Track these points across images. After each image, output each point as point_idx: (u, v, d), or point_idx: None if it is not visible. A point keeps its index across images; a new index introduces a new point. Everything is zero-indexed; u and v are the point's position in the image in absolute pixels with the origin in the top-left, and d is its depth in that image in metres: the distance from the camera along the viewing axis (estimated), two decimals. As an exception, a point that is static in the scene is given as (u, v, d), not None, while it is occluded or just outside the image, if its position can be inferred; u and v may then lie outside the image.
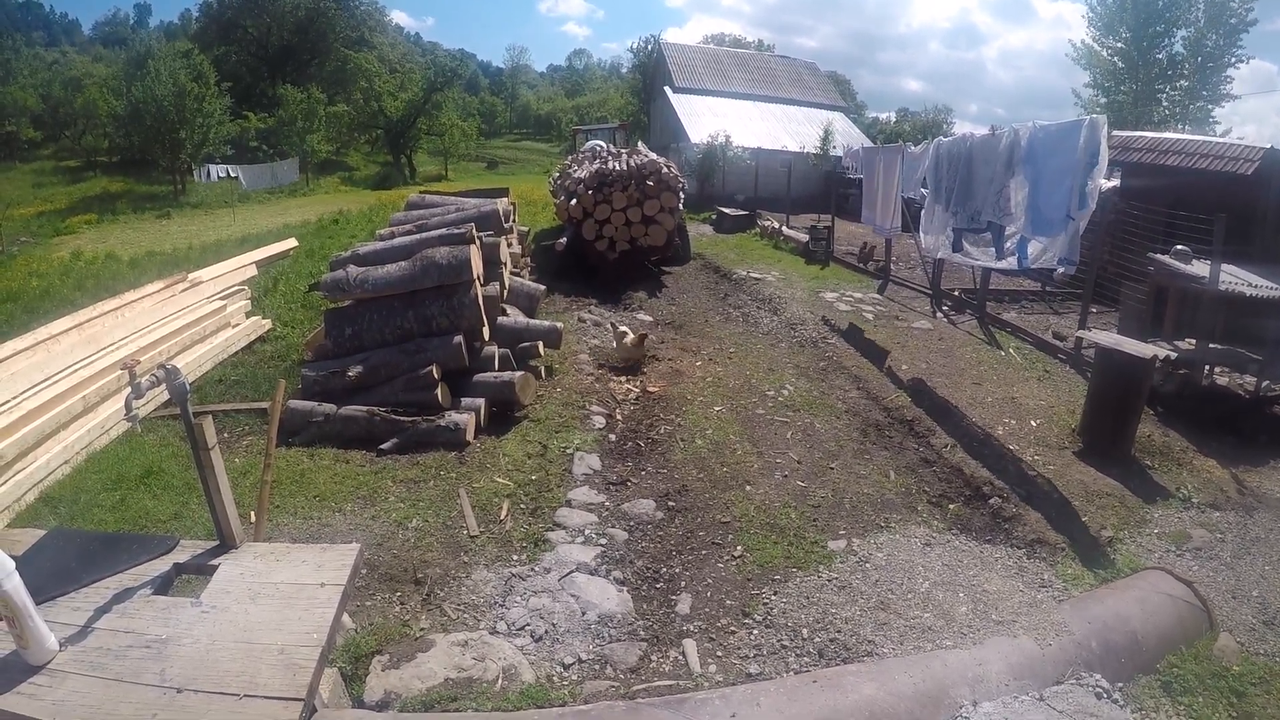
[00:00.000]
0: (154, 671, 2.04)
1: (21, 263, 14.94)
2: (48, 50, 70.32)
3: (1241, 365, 6.78)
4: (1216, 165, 10.15)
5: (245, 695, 1.98)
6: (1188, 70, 30.60)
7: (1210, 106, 30.94)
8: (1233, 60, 29.96)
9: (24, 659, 2.05)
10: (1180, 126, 28.74)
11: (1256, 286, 6.85)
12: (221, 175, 33.03)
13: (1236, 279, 6.98)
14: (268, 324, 8.78)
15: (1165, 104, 31.46)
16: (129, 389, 2.44)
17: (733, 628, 3.93)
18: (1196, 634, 3.71)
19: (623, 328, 8.59)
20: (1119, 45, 32.11)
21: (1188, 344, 6.75)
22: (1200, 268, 7.05)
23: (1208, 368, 6.97)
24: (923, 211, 9.15)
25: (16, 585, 2.00)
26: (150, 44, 40.76)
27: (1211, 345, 6.66)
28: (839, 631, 3.85)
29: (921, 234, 9.19)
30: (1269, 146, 9.77)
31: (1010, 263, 7.33)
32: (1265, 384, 6.82)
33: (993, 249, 7.50)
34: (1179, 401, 6.68)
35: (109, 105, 33.66)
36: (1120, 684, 3.34)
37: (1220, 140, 12.88)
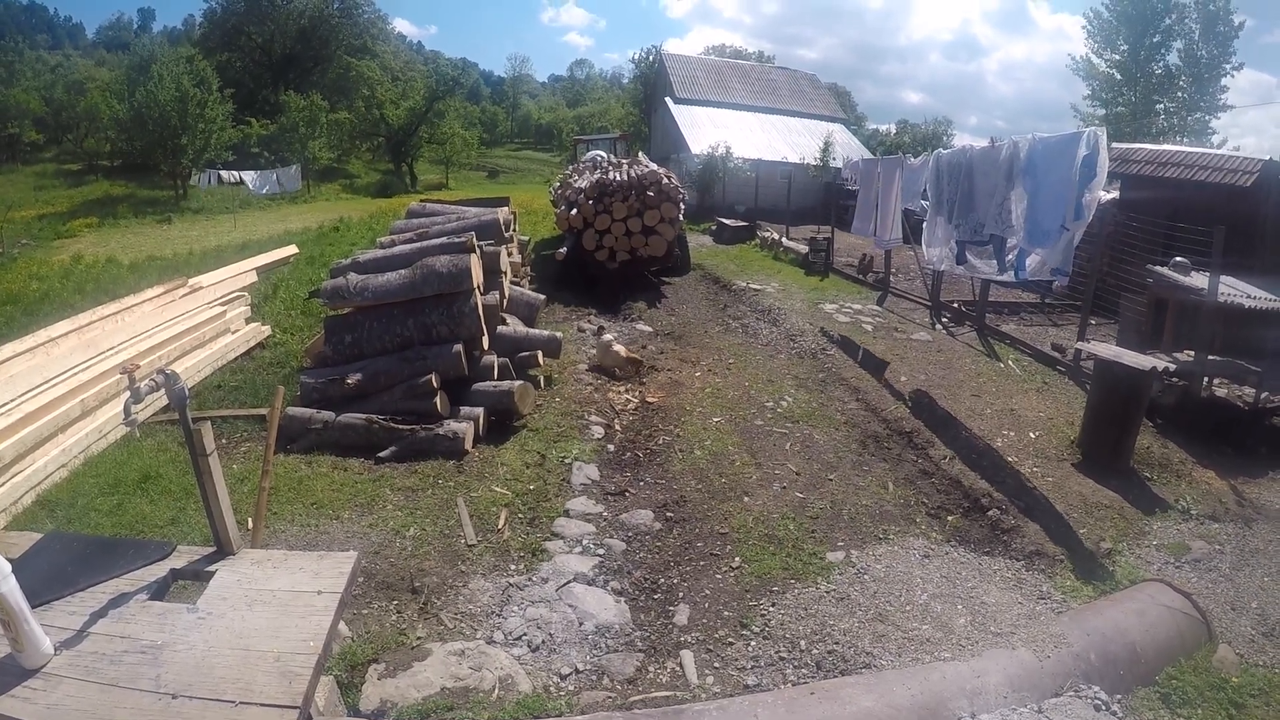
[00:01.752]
0: (149, 677, 2.03)
1: (22, 265, 14.93)
2: (51, 53, 70.57)
3: (1240, 377, 6.79)
4: (1215, 177, 10.20)
5: (241, 702, 1.97)
6: (1184, 82, 30.85)
7: (1207, 117, 31.21)
8: (1227, 69, 30.24)
9: (19, 662, 2.04)
10: (1179, 138, 28.93)
11: (1255, 298, 6.87)
12: (228, 180, 33.07)
13: (1235, 291, 6.99)
14: (267, 330, 8.78)
15: (1163, 115, 31.71)
16: (128, 393, 2.43)
17: (730, 639, 3.92)
18: (1195, 646, 3.71)
19: (608, 335, 8.63)
20: (1116, 58, 32.37)
21: (1186, 356, 6.76)
22: (1199, 279, 7.07)
23: (1207, 379, 6.98)
24: (924, 224, 9.18)
25: (12, 588, 1.99)
26: (153, 49, 40.77)
27: (1210, 357, 6.67)
28: (837, 643, 3.84)
29: (924, 246, 9.20)
30: (1267, 159, 9.83)
31: (1010, 275, 7.35)
32: (1264, 395, 6.82)
33: (995, 261, 7.52)
34: (1178, 413, 6.69)
35: (111, 109, 33.68)
36: (1119, 696, 3.33)
37: (1219, 152, 12.96)
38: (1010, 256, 7.20)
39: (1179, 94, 31.25)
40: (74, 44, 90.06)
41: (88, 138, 42.55)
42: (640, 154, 17.41)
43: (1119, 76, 32.45)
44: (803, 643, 3.85)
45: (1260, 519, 5.18)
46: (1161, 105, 31.76)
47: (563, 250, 12.44)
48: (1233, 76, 30.60)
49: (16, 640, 2.01)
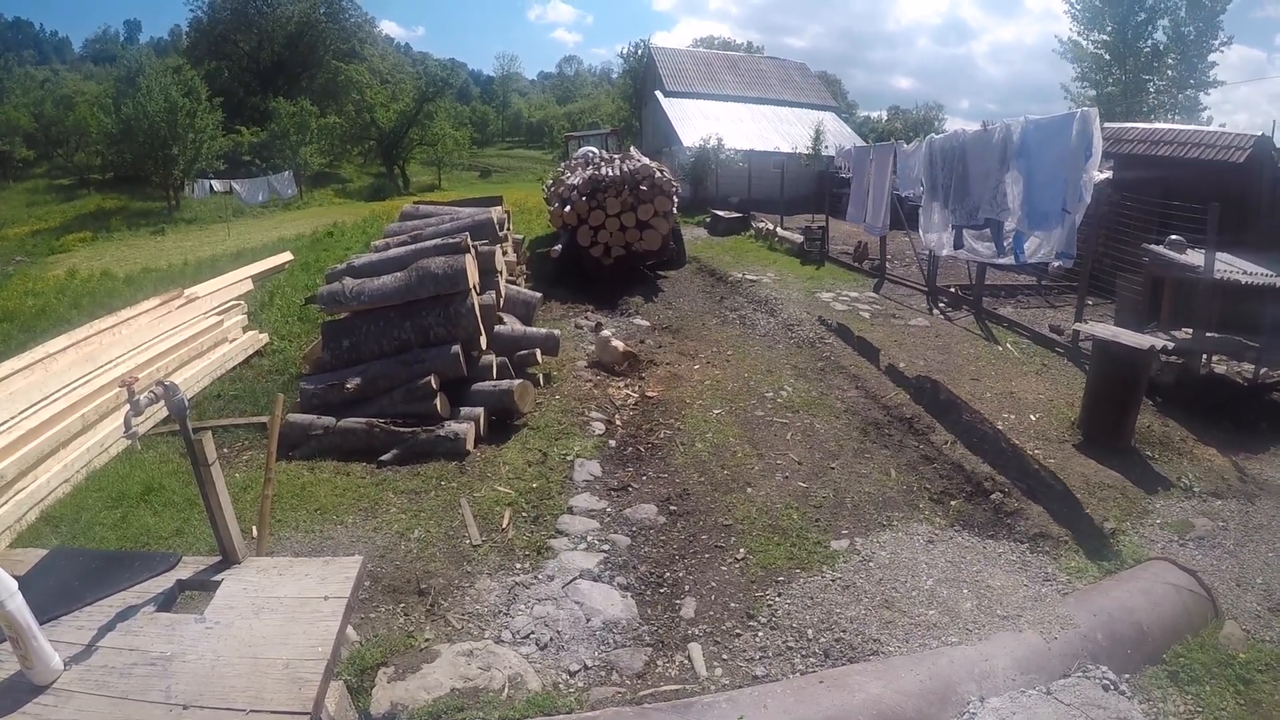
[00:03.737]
0: (159, 689, 2.03)
1: (17, 282, 14.93)
2: (38, 69, 70.33)
3: (1239, 353, 6.79)
4: (1208, 154, 10.21)
5: (251, 710, 1.97)
6: (1173, 59, 30.78)
7: (1198, 94, 31.12)
8: (1215, 45, 30.14)
9: (29, 679, 2.04)
10: (1170, 116, 28.88)
11: (1251, 274, 6.86)
12: (219, 190, 33.01)
13: (1231, 267, 6.99)
14: (265, 338, 8.77)
15: (1153, 94, 31.62)
16: (128, 406, 2.44)
17: (738, 630, 3.93)
18: (1202, 623, 3.72)
19: (606, 331, 8.64)
20: (1103, 38, 32.28)
21: (1184, 333, 6.76)
22: (1195, 257, 7.07)
23: (1205, 356, 6.98)
24: (920, 210, 9.17)
25: (20, 605, 2.00)
26: (141, 61, 40.53)
27: (1208, 334, 6.67)
28: (844, 631, 3.85)
29: (922, 232, 9.21)
30: (1259, 134, 9.82)
31: (1010, 259, 7.36)
32: (1263, 370, 6.83)
33: (992, 244, 7.53)
34: (1177, 391, 6.69)
35: (100, 123, 33.66)
36: (1127, 675, 3.34)
37: (1211, 129, 12.95)
38: (1008, 240, 7.21)
39: (1168, 72, 31.17)
40: (61, 59, 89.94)
41: (78, 152, 42.34)
42: (632, 148, 17.39)
43: (1107, 56, 32.35)
44: (810, 632, 3.86)
45: (1263, 494, 5.19)
46: (1151, 83, 31.66)
47: (558, 247, 12.42)
48: (1222, 53, 30.55)
49: (25, 657, 2.02)
